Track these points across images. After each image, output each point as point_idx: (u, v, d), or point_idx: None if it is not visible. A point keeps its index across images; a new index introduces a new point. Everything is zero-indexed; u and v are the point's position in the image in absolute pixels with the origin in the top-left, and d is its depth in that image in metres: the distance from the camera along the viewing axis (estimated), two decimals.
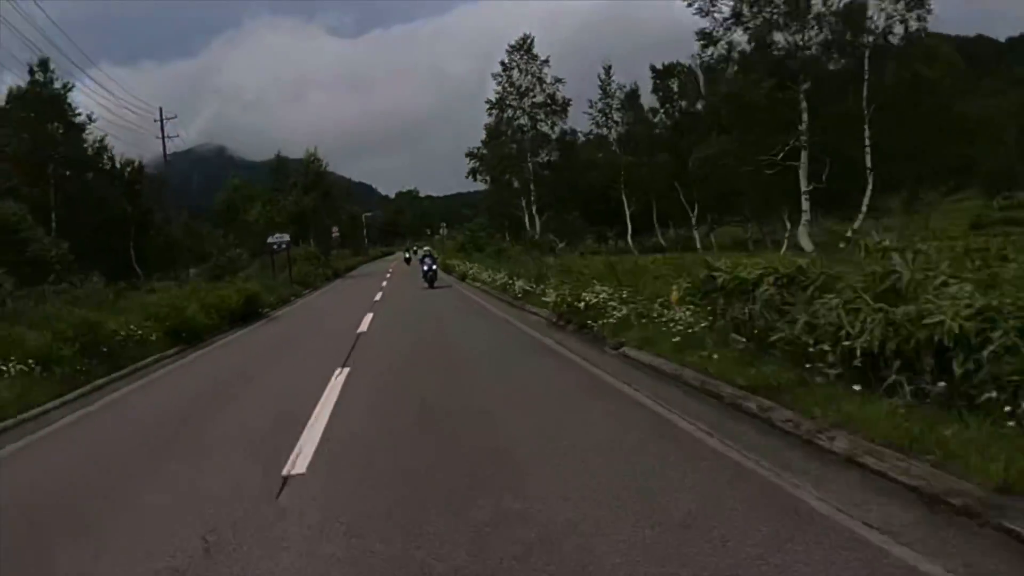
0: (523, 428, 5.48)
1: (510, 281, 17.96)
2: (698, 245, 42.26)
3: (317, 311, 21.11)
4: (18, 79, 30.74)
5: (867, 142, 25.87)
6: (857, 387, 4.98)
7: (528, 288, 15.62)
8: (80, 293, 14.25)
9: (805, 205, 26.97)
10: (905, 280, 5.93)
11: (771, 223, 40.98)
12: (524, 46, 41.27)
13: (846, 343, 5.15)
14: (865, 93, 25.85)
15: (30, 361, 9.04)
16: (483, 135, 44.23)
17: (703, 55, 30.00)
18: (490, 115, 42.39)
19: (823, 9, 25.79)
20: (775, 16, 25.68)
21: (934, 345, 4.74)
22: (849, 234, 20.65)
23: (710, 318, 7.75)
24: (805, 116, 25.73)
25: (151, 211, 38.24)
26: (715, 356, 6.37)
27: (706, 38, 27.88)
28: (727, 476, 4.03)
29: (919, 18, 27.05)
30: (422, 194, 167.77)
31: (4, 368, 8.81)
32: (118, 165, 37.63)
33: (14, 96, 34.94)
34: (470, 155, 43.83)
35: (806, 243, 24.25)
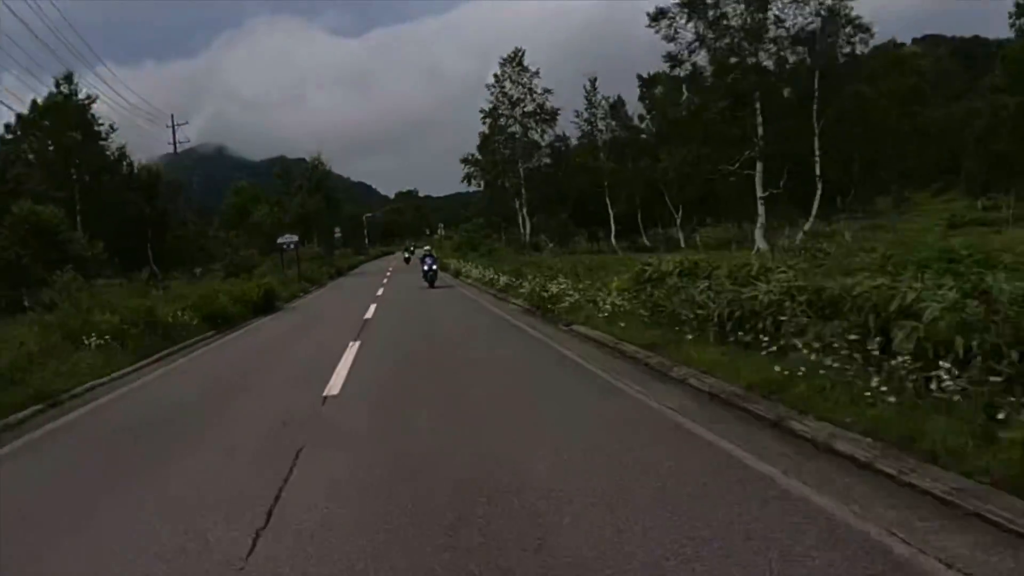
0: (484, 372, 7.85)
1: (495, 277, 20.30)
2: (682, 244, 44.60)
3: (327, 303, 23.41)
4: (17, 79, 32.84)
5: (816, 153, 28.33)
6: (711, 341, 7.34)
7: (509, 282, 17.95)
8: (125, 286, 16.51)
9: (760, 209, 29.45)
10: (755, 270, 8.35)
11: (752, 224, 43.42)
12: (516, 59, 43.72)
13: (700, 311, 7.52)
14: (815, 107, 28.31)
15: (107, 337, 11.36)
16: (478, 140, 46.57)
17: (670, 75, 32.49)
18: (484, 123, 44.81)
19: (777, 34, 28.30)
20: (734, 40, 28.13)
21: (755, 311, 7.11)
22: (800, 235, 23.02)
23: (634, 300, 10.10)
24: (760, 130, 28.22)
25: (167, 213, 40.50)
26: (624, 326, 8.72)
27: (672, 60, 30.36)
28: (604, 391, 6.41)
29: (862, 42, 29.57)
30: (421, 194, 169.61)
31: (87, 342, 11.14)
32: (136, 170, 39.89)
33: (40, 107, 37.18)
34: (465, 161, 46.25)
35: (761, 243, 26.63)
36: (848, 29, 28.10)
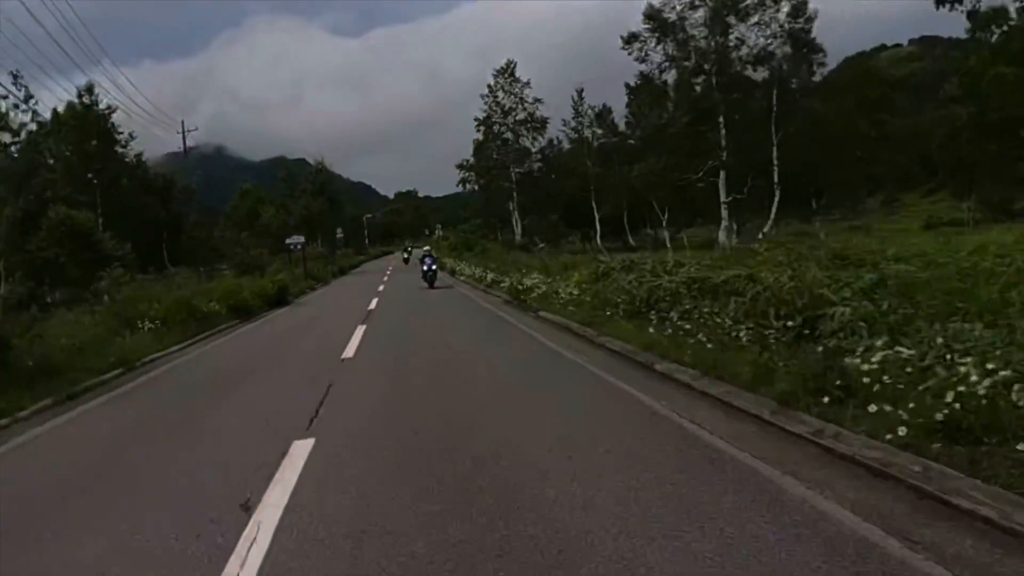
0: (464, 344, 10.15)
1: (484, 274, 22.61)
2: (667, 245, 46.92)
3: (333, 297, 25.70)
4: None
5: (775, 163, 30.74)
6: (628, 318, 9.63)
7: (496, 278, 20.25)
8: (163, 281, 18.78)
9: (724, 212, 31.95)
10: (670, 266, 10.68)
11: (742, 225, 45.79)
12: (508, 70, 46.09)
13: (624, 297, 9.83)
14: (773, 122, 30.73)
15: (157, 322, 13.64)
16: (478, 139, 48.83)
17: (641, 95, 35.11)
18: (478, 131, 47.15)
19: (739, 55, 30.70)
20: (699, 62, 30.56)
21: (660, 297, 9.41)
22: (760, 236, 25.38)
23: (588, 291, 12.39)
24: (724, 142, 30.64)
25: (180, 215, 42.77)
26: (574, 310, 11.04)
27: (644, 79, 32.87)
28: (548, 354, 8.72)
29: (818, 63, 32.12)
30: (420, 194, 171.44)
31: (141, 326, 13.41)
32: (151, 175, 42.17)
33: (62, 116, 39.43)
34: (460, 167, 48.65)
35: (724, 242, 29.01)
36: (804, 50, 30.51)
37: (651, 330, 7.68)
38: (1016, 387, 3.54)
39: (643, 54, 31.90)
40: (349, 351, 9.77)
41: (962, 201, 52.45)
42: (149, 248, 40.05)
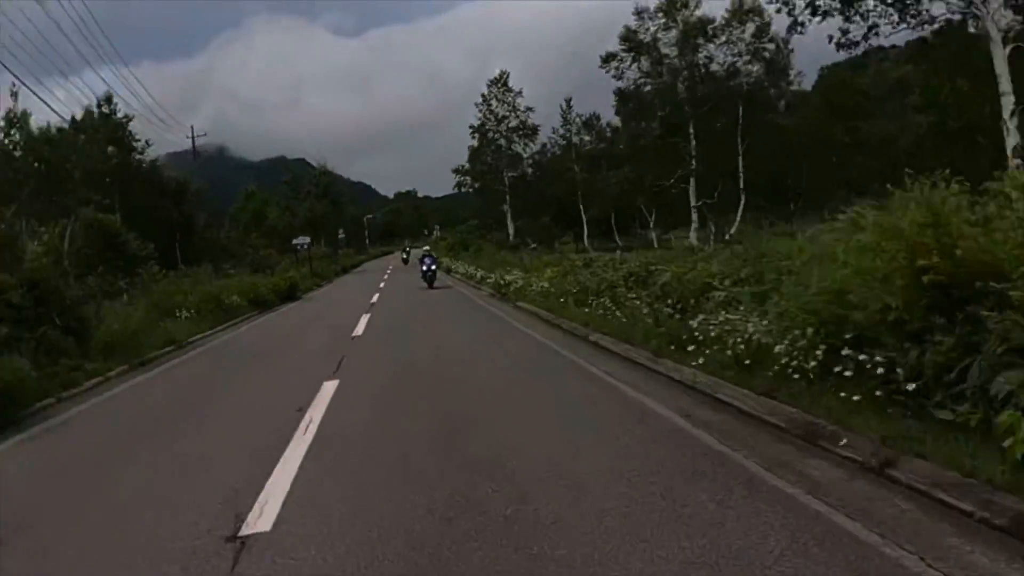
0: (451, 326, 12.39)
1: (475, 271, 24.87)
2: (655, 244, 49.25)
3: (338, 293, 27.92)
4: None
5: (741, 171, 33.19)
6: (580, 304, 11.86)
7: (485, 275, 22.50)
8: (192, 277, 21.00)
9: (694, 215, 34.45)
10: (618, 260, 12.93)
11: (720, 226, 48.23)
12: (501, 80, 48.49)
13: (579, 288, 12.08)
14: (740, 132, 33.20)
15: (191, 311, 15.85)
16: (473, 146, 51.08)
17: (620, 109, 37.66)
18: (473, 137, 49.52)
19: (708, 71, 33.14)
20: (671, 79, 32.99)
21: (608, 287, 11.64)
22: (727, 237, 27.68)
23: (557, 284, 14.60)
24: (694, 152, 33.06)
25: (192, 217, 44.92)
26: (543, 299, 13.28)
27: (621, 94, 35.40)
28: (516, 333, 10.96)
29: (786, 79, 34.59)
30: (420, 194, 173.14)
31: (178, 315, 15.62)
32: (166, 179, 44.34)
33: (81, 123, 41.59)
34: (456, 171, 51.04)
35: (694, 243, 31.30)
36: (770, 68, 32.93)
37: (586, 310, 9.93)
38: (765, 339, 5.77)
39: (619, 72, 34.45)
40: (358, 331, 12.01)
41: None
42: (163, 248, 42.25)
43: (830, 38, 20.51)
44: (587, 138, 48.74)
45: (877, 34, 18.97)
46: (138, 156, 41.20)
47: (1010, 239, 4.26)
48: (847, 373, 4.65)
